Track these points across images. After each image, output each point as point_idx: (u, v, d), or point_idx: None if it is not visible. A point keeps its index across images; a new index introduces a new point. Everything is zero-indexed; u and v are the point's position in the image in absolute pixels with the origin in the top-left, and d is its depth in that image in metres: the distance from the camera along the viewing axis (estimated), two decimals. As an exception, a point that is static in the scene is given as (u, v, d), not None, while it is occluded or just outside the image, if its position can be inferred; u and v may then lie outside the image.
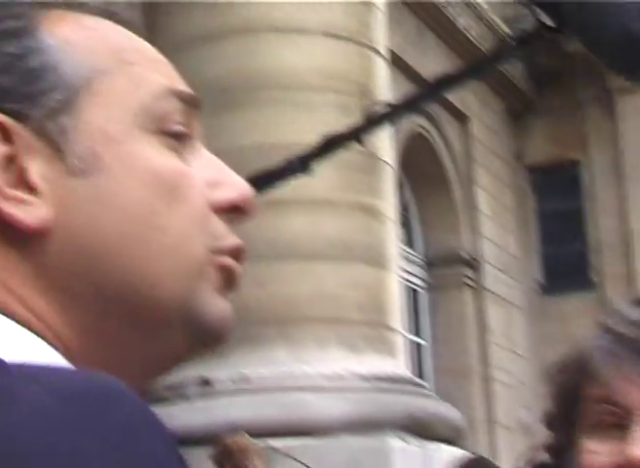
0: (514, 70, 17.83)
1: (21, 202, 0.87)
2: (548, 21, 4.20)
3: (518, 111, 19.03)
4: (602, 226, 18.23)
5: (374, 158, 9.18)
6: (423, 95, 5.79)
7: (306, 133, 7.43)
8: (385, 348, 9.20)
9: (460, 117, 16.94)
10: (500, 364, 15.95)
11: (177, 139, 0.93)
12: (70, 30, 0.94)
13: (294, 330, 8.64)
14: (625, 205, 17.60)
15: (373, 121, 5.48)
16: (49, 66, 0.91)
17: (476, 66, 5.54)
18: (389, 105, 5.60)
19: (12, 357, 0.80)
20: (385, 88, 9.56)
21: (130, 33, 1.00)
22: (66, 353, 0.86)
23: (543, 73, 17.79)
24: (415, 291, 15.94)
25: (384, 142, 9.31)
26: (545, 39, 4.00)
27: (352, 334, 8.93)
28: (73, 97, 0.90)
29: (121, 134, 0.91)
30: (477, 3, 16.23)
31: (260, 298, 8.28)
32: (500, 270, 17.55)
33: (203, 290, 0.92)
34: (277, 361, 8.52)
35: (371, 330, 9.18)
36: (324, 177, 7.85)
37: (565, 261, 18.53)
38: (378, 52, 9.67)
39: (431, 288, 16.59)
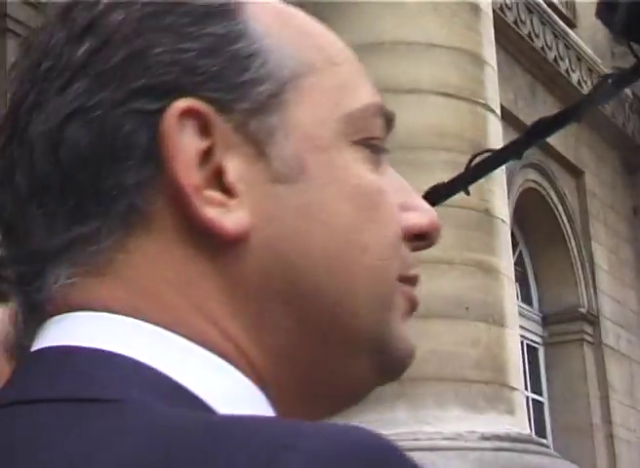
0: (629, 124, 17.98)
1: (219, 205, 0.80)
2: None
3: (634, 165, 18.56)
4: None
5: (489, 215, 9.19)
6: (525, 139, 5.73)
7: (420, 192, 7.46)
8: (505, 406, 9.13)
9: (575, 172, 16.85)
10: (622, 421, 15.76)
11: (376, 154, 0.87)
12: (273, 16, 0.86)
13: (413, 389, 8.54)
14: None
15: (477, 169, 5.44)
16: (257, 54, 0.83)
17: (576, 107, 5.46)
18: (490, 151, 5.57)
19: (216, 398, 0.75)
20: (499, 145, 9.59)
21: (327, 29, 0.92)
22: (259, 382, 0.80)
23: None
24: (532, 347, 15.89)
25: (499, 199, 9.39)
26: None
27: (472, 393, 8.89)
28: (280, 93, 0.83)
29: (326, 140, 0.84)
30: (590, 57, 16.26)
31: (379, 358, 8.23)
32: (619, 326, 17.26)
33: (394, 319, 0.85)
34: (397, 421, 8.50)
35: (490, 388, 9.12)
36: (440, 236, 7.92)
37: (689, 316, 17.68)
38: (490, 109, 9.75)
39: (549, 344, 16.37)
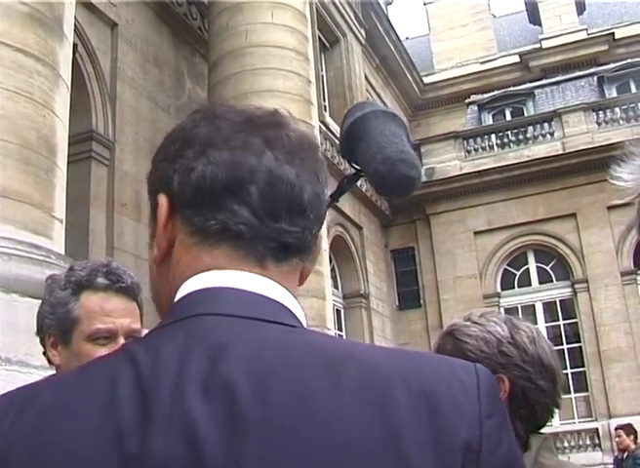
0: (383, 205, 17.96)
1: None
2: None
3: (385, 224, 18.44)
4: (425, 278, 18.28)
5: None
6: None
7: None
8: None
9: (358, 226, 17.30)
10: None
11: None
12: None
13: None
14: (435, 268, 18.10)
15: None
16: None
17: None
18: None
19: None
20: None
21: None
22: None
23: (396, 206, 18.03)
24: (338, 311, 16.01)
25: (323, 238, 8.23)
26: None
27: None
28: None
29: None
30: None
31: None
32: (378, 299, 17.75)
33: None
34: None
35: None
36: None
37: (408, 294, 18.43)
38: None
39: (345, 308, 16.72)
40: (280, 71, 9.65)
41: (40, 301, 4.71)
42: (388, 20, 22.08)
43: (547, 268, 18.41)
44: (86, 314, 1.78)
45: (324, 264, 10.25)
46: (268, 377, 0.67)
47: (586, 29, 25.84)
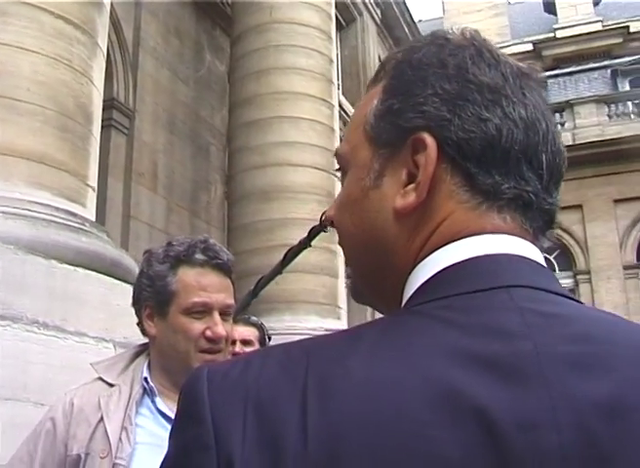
0: None
1: None
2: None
3: None
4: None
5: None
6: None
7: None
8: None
9: None
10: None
11: None
12: None
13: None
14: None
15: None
16: None
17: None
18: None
19: None
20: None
21: None
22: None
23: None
24: None
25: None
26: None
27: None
28: None
29: None
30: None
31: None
32: None
33: None
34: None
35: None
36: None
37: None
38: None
39: None
40: (304, 49, 9.64)
41: (75, 268, 4.59)
42: (404, 2, 21.98)
43: (551, 258, 18.54)
44: (183, 288, 1.83)
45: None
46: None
47: (601, 21, 25.76)
